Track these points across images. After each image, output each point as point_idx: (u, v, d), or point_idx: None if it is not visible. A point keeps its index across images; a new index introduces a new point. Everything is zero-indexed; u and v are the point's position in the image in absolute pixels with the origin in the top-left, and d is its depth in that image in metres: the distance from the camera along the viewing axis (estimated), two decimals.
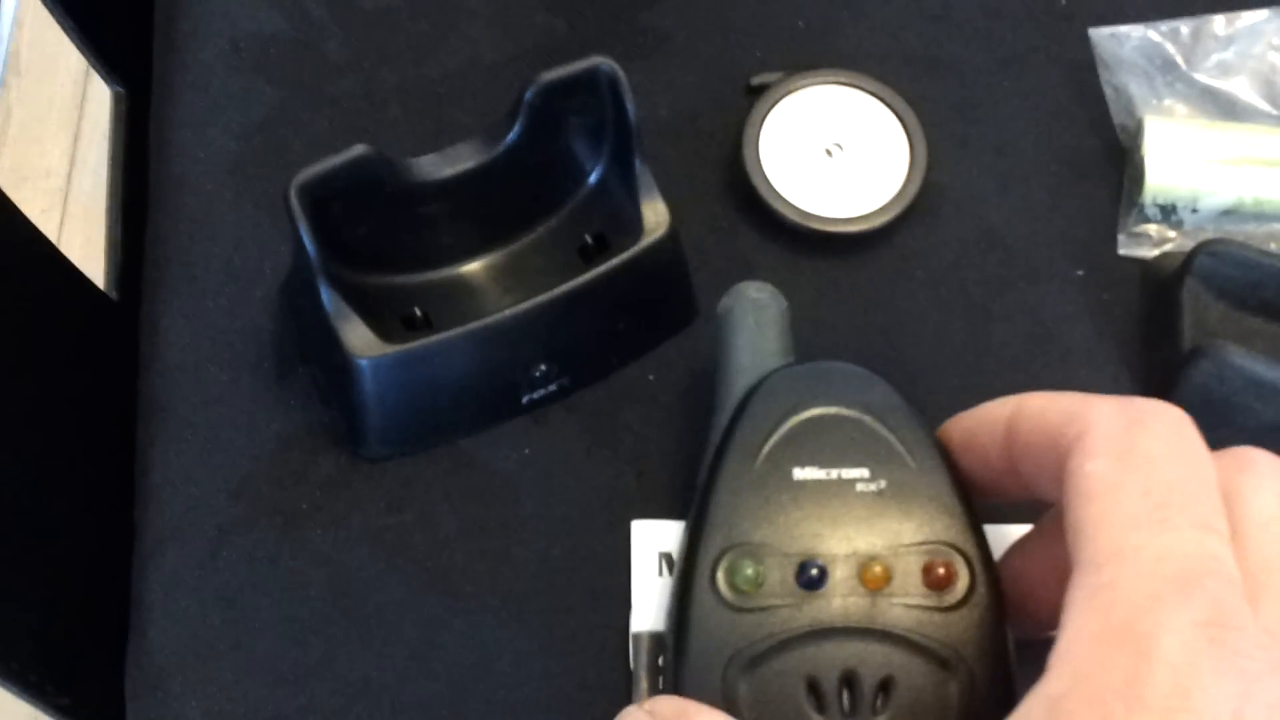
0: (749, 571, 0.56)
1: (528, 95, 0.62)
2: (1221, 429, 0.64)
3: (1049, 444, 0.51)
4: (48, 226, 1.73)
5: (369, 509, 0.64)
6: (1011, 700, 0.48)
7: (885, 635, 0.55)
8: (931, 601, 0.56)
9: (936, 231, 0.72)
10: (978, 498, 0.57)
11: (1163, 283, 0.67)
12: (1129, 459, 0.48)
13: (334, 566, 0.63)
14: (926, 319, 0.70)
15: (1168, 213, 0.71)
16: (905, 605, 0.55)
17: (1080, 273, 0.71)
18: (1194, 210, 0.71)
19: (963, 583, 0.56)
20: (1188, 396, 0.65)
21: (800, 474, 0.57)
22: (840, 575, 0.56)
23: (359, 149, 0.60)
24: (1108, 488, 0.48)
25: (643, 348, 0.67)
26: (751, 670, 0.55)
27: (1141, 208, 0.71)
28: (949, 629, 0.55)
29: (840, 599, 0.56)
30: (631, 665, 0.61)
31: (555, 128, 0.64)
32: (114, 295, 0.86)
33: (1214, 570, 0.45)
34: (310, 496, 0.64)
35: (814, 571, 0.56)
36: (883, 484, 0.57)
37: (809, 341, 0.65)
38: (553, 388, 0.65)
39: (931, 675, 0.55)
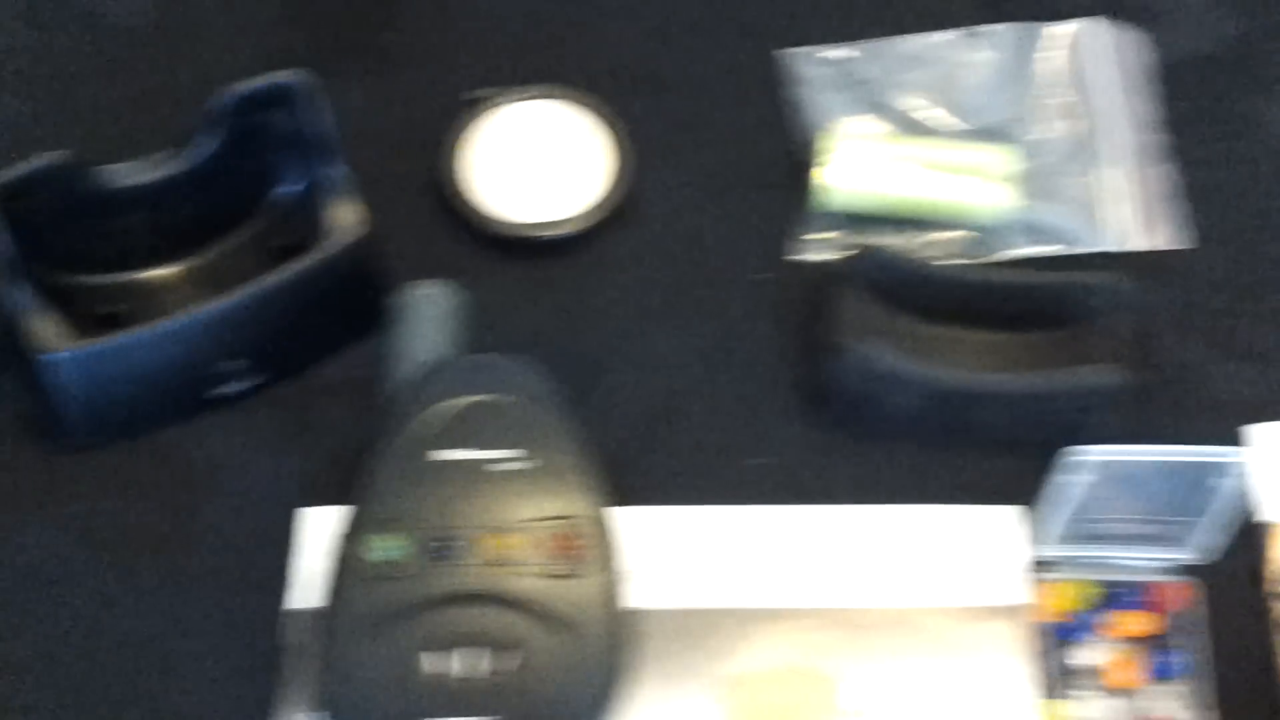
0: (387, 545, 0.61)
1: (214, 105, 0.67)
2: (871, 418, 0.70)
3: None
4: None
5: (63, 495, 0.69)
6: (625, 662, 0.53)
7: (509, 601, 0.60)
8: (554, 570, 0.61)
9: (636, 238, 0.77)
10: None
11: (827, 286, 0.73)
12: None
13: (28, 552, 0.68)
14: (620, 319, 0.75)
15: (843, 221, 0.76)
16: (529, 574, 0.60)
17: (762, 276, 0.76)
18: (867, 218, 0.76)
19: (585, 554, 0.61)
20: (837, 389, 0.70)
21: (443, 456, 0.62)
22: (470, 547, 0.61)
23: (54, 155, 0.65)
24: None
25: (339, 345, 0.72)
26: (387, 634, 0.60)
27: (820, 216, 0.76)
28: (569, 596, 0.60)
29: (469, 569, 0.61)
30: (285, 640, 0.66)
31: (256, 138, 0.69)
32: None
33: None
34: (8, 483, 0.69)
35: (445, 544, 0.61)
36: (519, 465, 0.62)
37: (507, 339, 0.70)
38: (248, 383, 0.70)
39: (550, 636, 0.60)
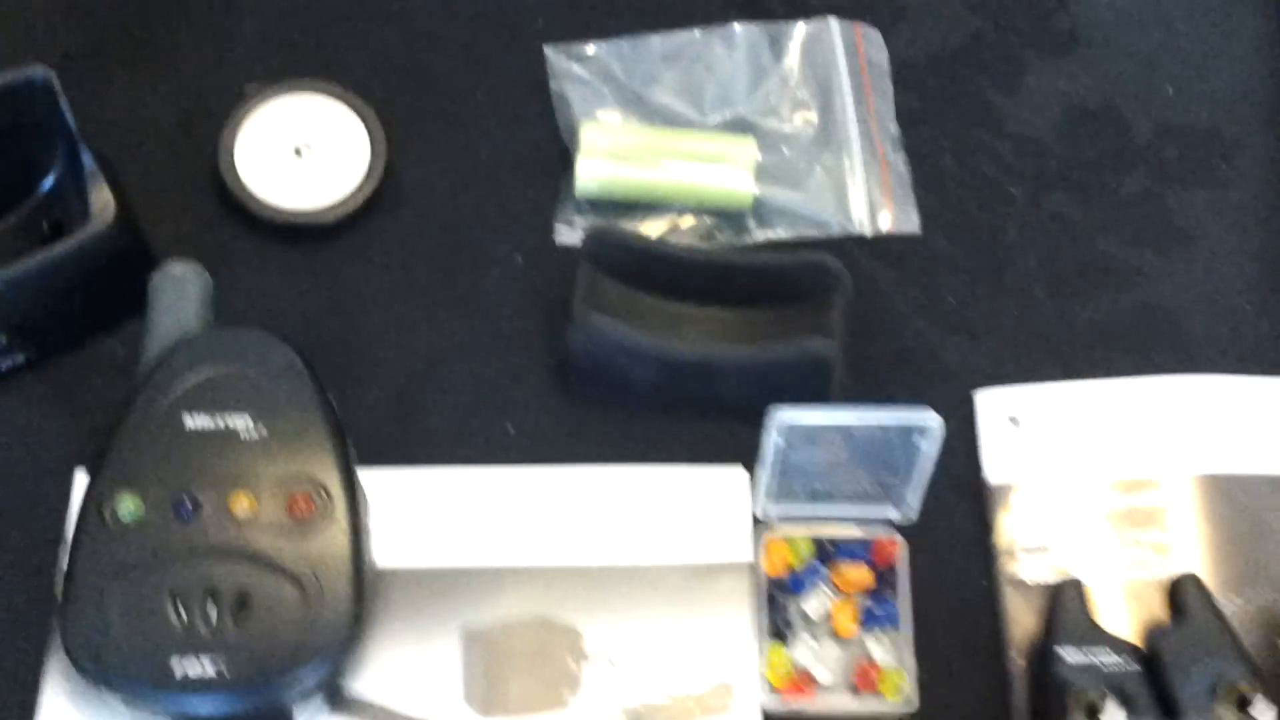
0: (130, 505, 0.64)
1: None
2: (611, 386, 0.75)
3: None
4: None
5: None
6: (361, 615, 0.58)
7: (247, 557, 0.64)
8: (291, 529, 0.65)
9: (400, 223, 0.81)
10: None
11: (572, 266, 0.77)
12: None
13: None
14: (383, 298, 0.79)
15: (598, 207, 0.81)
16: (268, 532, 0.64)
17: (520, 259, 0.80)
18: (621, 204, 0.81)
19: (320, 513, 0.65)
20: (576, 360, 0.75)
21: (188, 422, 0.66)
22: (211, 507, 0.64)
23: None
24: None
25: (110, 322, 0.75)
26: (129, 586, 0.63)
27: (576, 202, 0.81)
28: (305, 552, 0.64)
29: (209, 526, 0.64)
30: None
31: (14, 130, 0.72)
32: None
33: None
34: None
35: (187, 504, 0.64)
36: (260, 430, 0.66)
37: (272, 318, 0.75)
38: (19, 358, 0.73)
39: (286, 590, 0.64)
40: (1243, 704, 0.64)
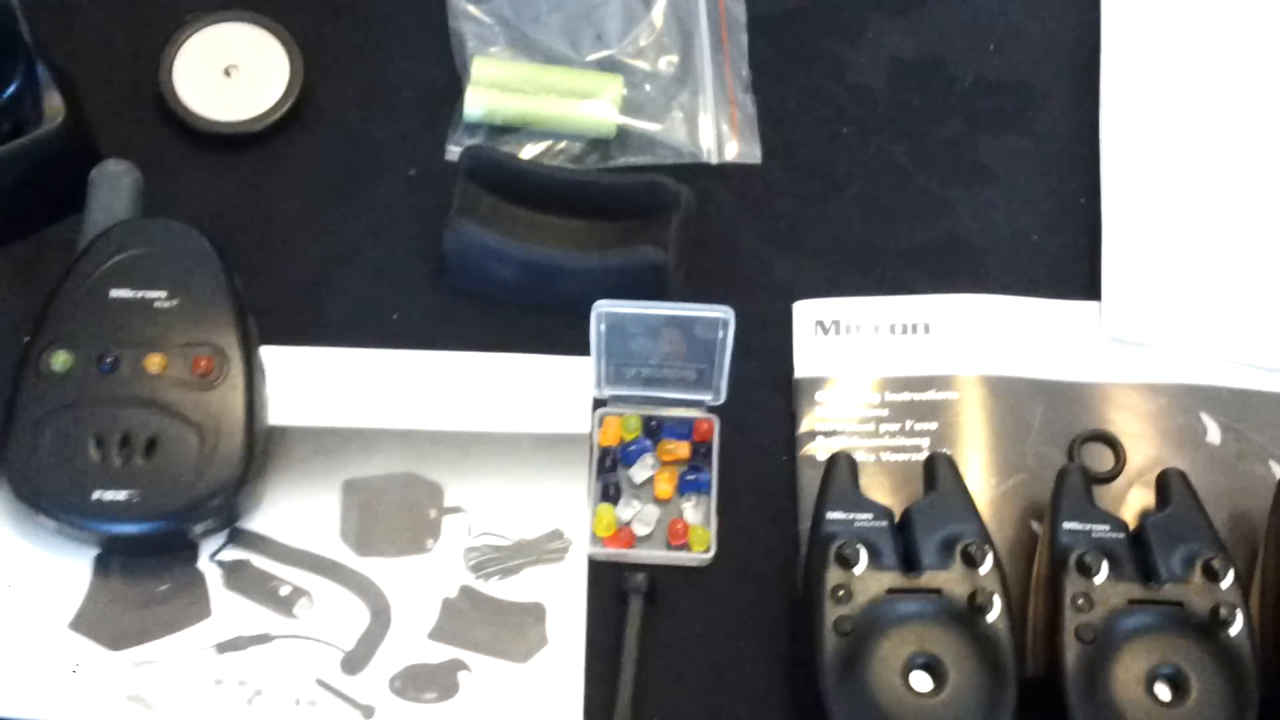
0: (60, 359, 0.78)
1: None
2: (480, 285, 0.88)
3: None
4: None
5: None
6: (251, 460, 0.74)
7: (157, 406, 0.78)
8: (196, 386, 0.78)
9: (310, 137, 0.94)
10: None
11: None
12: None
13: None
14: (290, 203, 0.92)
15: (485, 130, 0.94)
16: (176, 387, 0.78)
17: (414, 173, 0.94)
18: (504, 128, 0.94)
19: (220, 375, 0.79)
20: (451, 259, 0.88)
21: (113, 293, 0.80)
22: (128, 364, 0.78)
23: None
24: None
25: (59, 213, 0.88)
26: (58, 428, 0.77)
27: (464, 125, 0.94)
28: (206, 406, 0.78)
29: (126, 380, 0.78)
30: None
31: None
32: None
33: None
34: None
35: (108, 360, 0.78)
36: (176, 303, 0.80)
37: (194, 213, 0.87)
38: None
39: (189, 436, 0.78)
40: (970, 561, 0.77)
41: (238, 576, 0.80)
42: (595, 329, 0.81)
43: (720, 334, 0.81)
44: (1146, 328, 0.88)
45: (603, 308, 0.80)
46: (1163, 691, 0.75)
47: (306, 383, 0.85)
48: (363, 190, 0.93)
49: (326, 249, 0.91)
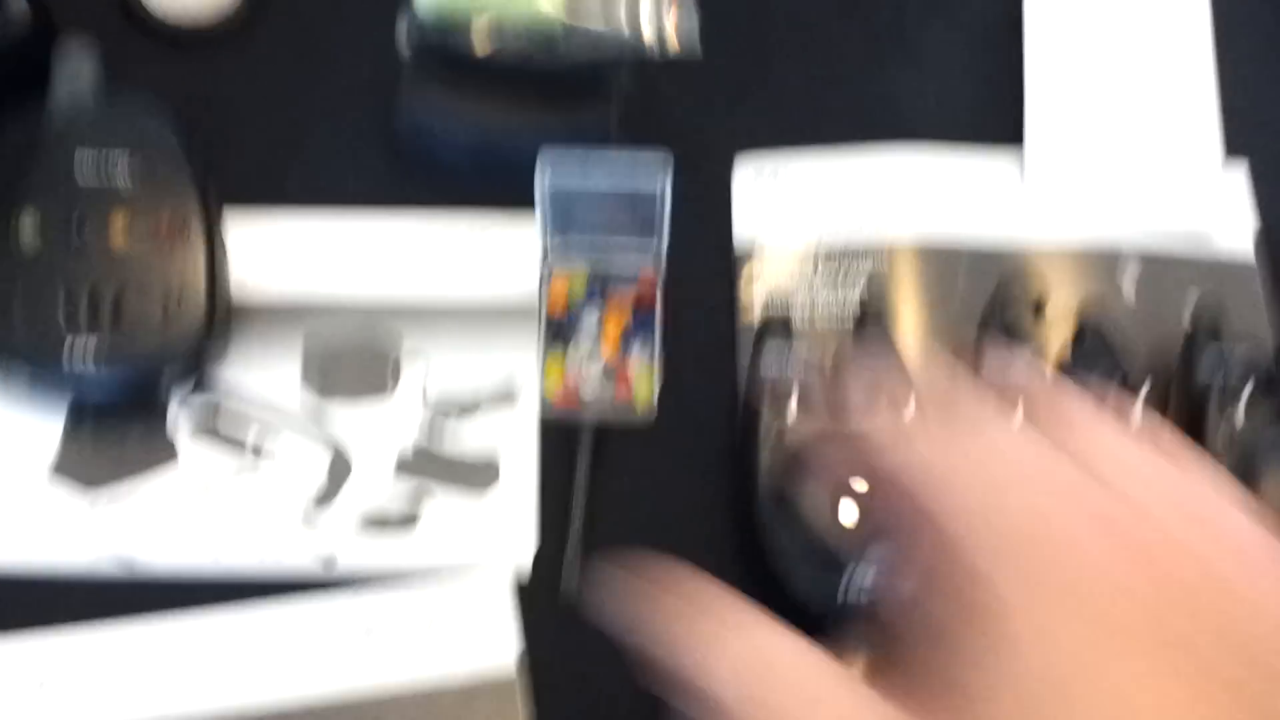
0: (29, 222, 0.82)
1: None
2: (432, 157, 0.92)
3: None
4: None
5: None
6: (213, 318, 0.78)
7: (124, 266, 0.83)
8: (159, 250, 0.83)
9: (271, 34, 0.99)
10: None
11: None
12: None
13: None
14: (252, 94, 0.97)
15: (437, 25, 0.98)
16: (141, 251, 0.83)
17: (368, 62, 0.98)
18: (454, 23, 0.98)
19: (182, 239, 0.83)
20: (403, 131, 0.93)
21: (81, 161, 0.84)
22: (96, 227, 0.83)
23: None
24: None
25: (26, 94, 0.92)
26: (29, 288, 0.82)
27: (418, 20, 0.98)
28: (169, 265, 0.83)
29: (94, 241, 0.83)
30: None
31: None
32: None
33: None
34: None
35: (75, 223, 0.83)
36: (140, 172, 0.84)
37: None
38: None
39: (155, 293, 0.82)
40: None
41: (203, 423, 0.84)
42: (540, 179, 0.85)
43: (660, 180, 0.85)
44: (1067, 183, 0.93)
45: (547, 155, 0.84)
46: None
47: (266, 247, 0.90)
48: (321, 80, 0.98)
49: (286, 133, 0.95)
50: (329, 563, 0.82)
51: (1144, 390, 0.82)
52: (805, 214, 0.93)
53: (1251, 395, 0.82)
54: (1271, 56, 1.02)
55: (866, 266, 0.92)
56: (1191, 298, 0.91)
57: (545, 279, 0.90)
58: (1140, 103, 0.96)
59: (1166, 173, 0.94)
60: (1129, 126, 0.96)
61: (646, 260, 0.90)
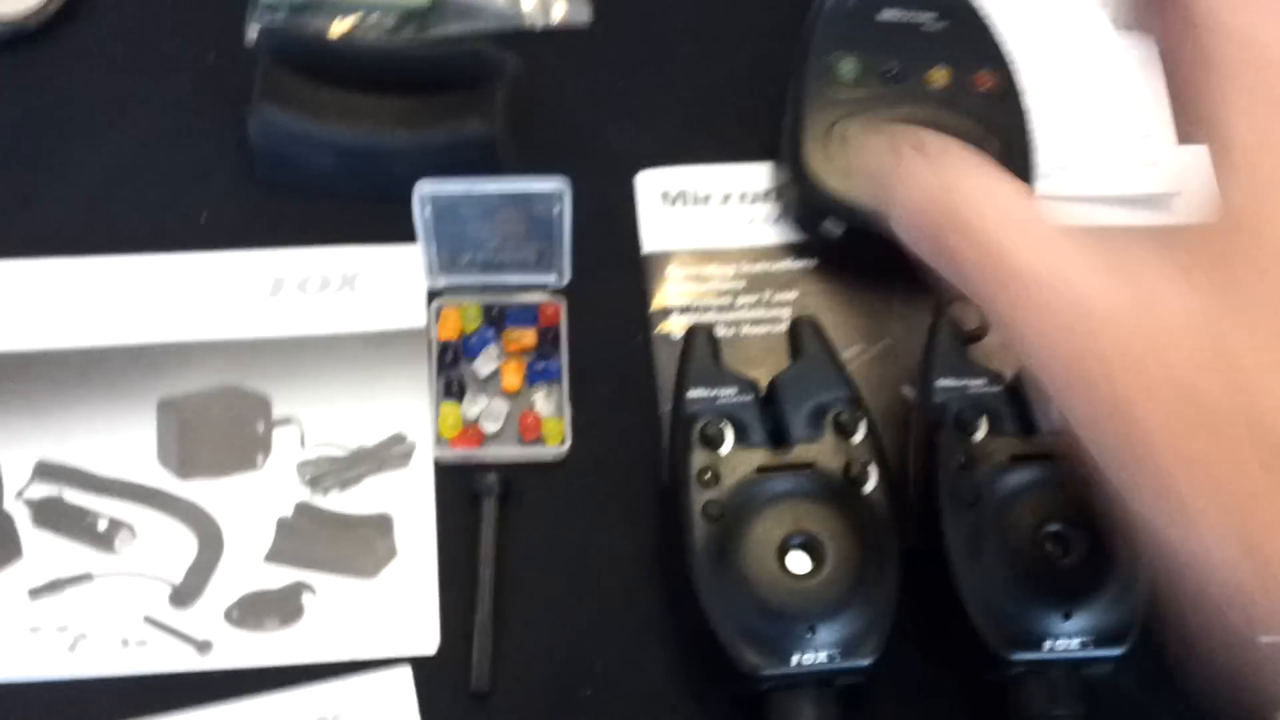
0: None
1: None
2: (293, 175, 0.81)
3: None
4: None
5: None
6: None
7: None
8: None
9: (96, 30, 0.87)
10: None
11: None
12: None
13: None
14: (76, 104, 0.85)
15: (288, 10, 0.86)
16: None
17: (213, 59, 0.86)
18: (311, 5, 0.86)
19: None
20: (258, 150, 0.81)
21: None
22: None
23: None
24: None
25: None
26: None
27: (267, 7, 0.86)
28: None
29: None
30: None
31: None
32: None
33: None
34: None
35: None
36: None
37: None
38: None
39: None
40: (842, 430, 0.72)
41: (48, 513, 0.73)
42: (419, 213, 0.74)
43: (556, 208, 0.74)
44: None
45: (425, 188, 0.73)
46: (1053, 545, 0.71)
47: (103, 296, 0.78)
48: (156, 84, 0.85)
49: (120, 150, 0.83)
50: (203, 647, 0.71)
51: None
52: (718, 222, 0.83)
53: None
54: None
55: (791, 272, 0.82)
56: None
57: (434, 312, 0.79)
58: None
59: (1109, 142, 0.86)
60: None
61: (547, 287, 0.79)
